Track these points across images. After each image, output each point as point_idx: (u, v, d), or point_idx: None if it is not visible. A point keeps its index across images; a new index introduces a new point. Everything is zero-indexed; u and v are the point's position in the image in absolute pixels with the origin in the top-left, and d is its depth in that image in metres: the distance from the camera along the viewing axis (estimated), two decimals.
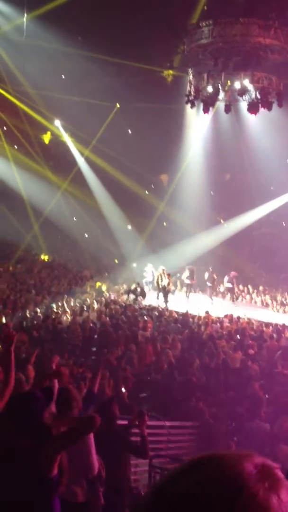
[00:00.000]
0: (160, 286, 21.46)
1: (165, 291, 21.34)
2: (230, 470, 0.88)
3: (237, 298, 23.62)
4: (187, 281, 22.51)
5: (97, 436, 4.69)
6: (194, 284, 22.96)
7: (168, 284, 21.41)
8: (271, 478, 0.88)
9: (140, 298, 21.86)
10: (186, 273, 22.68)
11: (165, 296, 21.39)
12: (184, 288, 23.20)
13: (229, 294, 23.45)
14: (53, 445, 3.44)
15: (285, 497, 0.87)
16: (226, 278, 22.99)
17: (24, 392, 3.97)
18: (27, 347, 12.56)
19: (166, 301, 21.25)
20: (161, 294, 21.50)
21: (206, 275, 23.23)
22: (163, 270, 21.85)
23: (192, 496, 0.86)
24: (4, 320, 16.12)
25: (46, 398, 3.65)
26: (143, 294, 21.99)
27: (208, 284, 23.07)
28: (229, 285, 23.01)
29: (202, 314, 18.38)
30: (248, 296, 24.49)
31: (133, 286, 22.53)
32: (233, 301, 22.84)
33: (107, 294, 22.38)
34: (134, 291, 22.07)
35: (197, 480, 0.87)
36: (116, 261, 30.78)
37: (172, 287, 22.49)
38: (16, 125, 32.18)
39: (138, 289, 22.00)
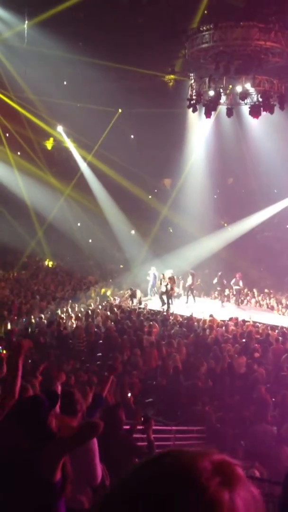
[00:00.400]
0: (162, 290, 21.41)
1: (168, 295, 21.31)
2: (184, 465, 0.89)
3: (242, 302, 23.52)
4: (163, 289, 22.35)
5: (103, 442, 4.67)
6: (193, 288, 22.77)
7: (171, 288, 21.34)
8: (226, 474, 0.89)
9: (139, 301, 21.95)
10: (189, 278, 22.59)
11: (167, 300, 21.36)
12: (186, 292, 23.08)
13: (235, 296, 23.32)
14: (56, 449, 3.44)
15: (241, 493, 0.88)
16: (233, 281, 22.85)
17: (29, 396, 3.96)
18: (33, 353, 12.55)
19: (167, 304, 21.21)
20: (164, 298, 21.44)
21: (215, 280, 23.12)
22: (163, 274, 21.80)
23: (146, 489, 0.87)
24: (9, 327, 16.14)
25: (51, 402, 3.64)
26: (134, 296, 22.15)
27: (218, 288, 22.97)
28: (237, 287, 22.89)
29: (207, 318, 18.36)
30: (253, 300, 24.43)
31: (127, 292, 22.74)
32: (238, 304, 22.70)
33: (112, 299, 22.37)
34: (131, 296, 22.28)
35: (151, 475, 0.89)
36: (122, 266, 30.78)
37: (176, 291, 22.44)
38: (18, 131, 32.29)
39: (136, 292, 22.25)
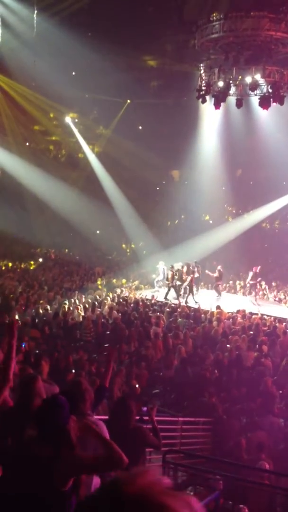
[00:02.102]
0: (178, 283, 21.36)
1: (179, 287, 21.36)
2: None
3: (250, 294, 23.25)
4: (184, 276, 22.25)
5: (114, 433, 4.68)
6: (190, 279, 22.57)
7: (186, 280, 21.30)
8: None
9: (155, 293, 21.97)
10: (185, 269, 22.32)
11: (180, 291, 21.43)
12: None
13: (251, 290, 22.89)
14: (72, 465, 3.30)
15: None
16: (250, 274, 22.38)
17: (50, 397, 3.87)
18: (40, 343, 12.62)
19: (183, 295, 21.28)
20: (182, 290, 21.49)
21: (216, 273, 22.87)
22: (172, 266, 21.73)
23: None
24: (17, 317, 16.21)
25: (69, 403, 3.53)
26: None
27: (250, 282, 22.53)
28: (253, 281, 22.41)
29: (214, 310, 18.35)
30: (260, 292, 24.33)
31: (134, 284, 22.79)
32: (256, 298, 22.09)
33: (119, 290, 22.41)
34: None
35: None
36: (128, 253, 30.73)
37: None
38: (27, 122, 32.28)
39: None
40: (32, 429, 3.53)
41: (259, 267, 22.21)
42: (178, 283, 21.39)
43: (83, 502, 0.94)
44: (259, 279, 22.11)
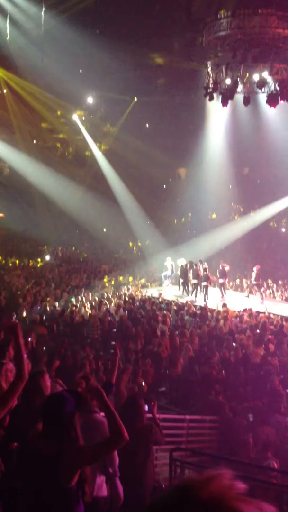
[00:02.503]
0: (193, 282, 21.41)
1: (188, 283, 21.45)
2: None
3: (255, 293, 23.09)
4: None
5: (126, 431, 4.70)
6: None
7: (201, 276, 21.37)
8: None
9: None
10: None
11: (188, 288, 21.49)
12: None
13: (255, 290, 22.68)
14: (77, 458, 3.29)
15: None
16: (254, 273, 22.28)
17: (56, 393, 3.87)
18: (47, 341, 12.66)
19: (191, 292, 21.32)
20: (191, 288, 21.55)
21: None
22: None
23: None
24: (24, 314, 16.27)
25: (77, 403, 3.52)
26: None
27: (254, 282, 22.32)
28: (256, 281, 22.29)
29: (221, 308, 18.33)
30: (267, 291, 24.26)
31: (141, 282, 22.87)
32: (262, 298, 21.95)
33: (126, 288, 22.42)
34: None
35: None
36: (135, 251, 30.73)
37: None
38: (34, 120, 32.33)
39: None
40: (36, 425, 3.53)
41: (259, 266, 22.07)
42: (194, 281, 21.44)
43: (151, 504, 0.90)
44: (260, 279, 22.01)
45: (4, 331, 10.06)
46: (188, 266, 21.77)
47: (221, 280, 21.43)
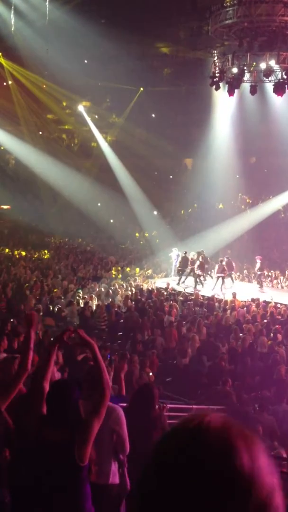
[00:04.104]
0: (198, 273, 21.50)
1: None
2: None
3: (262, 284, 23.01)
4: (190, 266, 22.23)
5: (136, 421, 4.71)
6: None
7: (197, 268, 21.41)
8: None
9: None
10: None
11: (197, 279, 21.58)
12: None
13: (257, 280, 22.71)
14: (83, 434, 3.38)
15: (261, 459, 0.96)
16: (257, 264, 22.29)
17: (60, 381, 3.93)
18: (54, 331, 12.69)
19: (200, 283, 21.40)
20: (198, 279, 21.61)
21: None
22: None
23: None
24: (33, 304, 16.32)
25: (83, 389, 3.59)
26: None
27: (258, 272, 22.28)
28: (260, 272, 22.31)
29: (228, 299, 18.33)
30: (275, 281, 24.22)
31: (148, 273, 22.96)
32: (261, 287, 22.11)
33: (133, 279, 22.43)
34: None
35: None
36: (142, 242, 30.72)
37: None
38: (39, 111, 32.28)
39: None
40: (44, 414, 3.58)
41: (261, 256, 22.03)
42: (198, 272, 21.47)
43: (158, 452, 0.89)
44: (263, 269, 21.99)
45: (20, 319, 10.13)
46: (195, 256, 21.80)
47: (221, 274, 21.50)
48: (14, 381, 4.12)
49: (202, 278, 21.65)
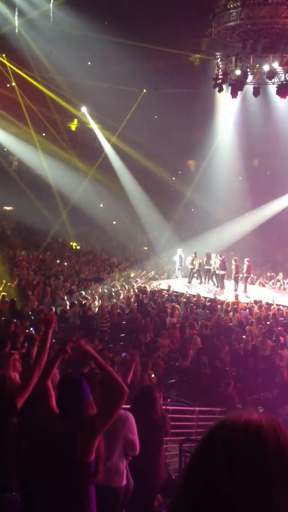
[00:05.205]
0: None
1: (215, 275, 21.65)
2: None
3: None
4: (190, 266, 22.22)
5: (138, 423, 4.71)
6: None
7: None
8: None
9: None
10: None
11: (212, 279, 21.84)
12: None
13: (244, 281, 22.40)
14: (91, 430, 3.39)
15: None
16: (245, 267, 22.09)
17: (72, 376, 3.94)
18: (57, 332, 12.71)
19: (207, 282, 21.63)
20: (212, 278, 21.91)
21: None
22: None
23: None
24: (35, 305, 16.34)
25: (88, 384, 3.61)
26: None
27: (245, 274, 22.13)
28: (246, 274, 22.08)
29: (231, 300, 18.31)
30: (278, 283, 24.19)
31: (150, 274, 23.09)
32: (246, 288, 21.81)
33: (135, 281, 22.43)
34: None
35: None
36: (145, 248, 30.76)
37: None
38: (43, 112, 32.31)
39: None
40: (52, 410, 3.61)
41: (249, 259, 21.93)
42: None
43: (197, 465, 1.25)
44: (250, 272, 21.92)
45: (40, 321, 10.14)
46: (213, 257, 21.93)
47: (222, 272, 21.42)
48: (29, 380, 4.22)
49: (222, 278, 21.66)
